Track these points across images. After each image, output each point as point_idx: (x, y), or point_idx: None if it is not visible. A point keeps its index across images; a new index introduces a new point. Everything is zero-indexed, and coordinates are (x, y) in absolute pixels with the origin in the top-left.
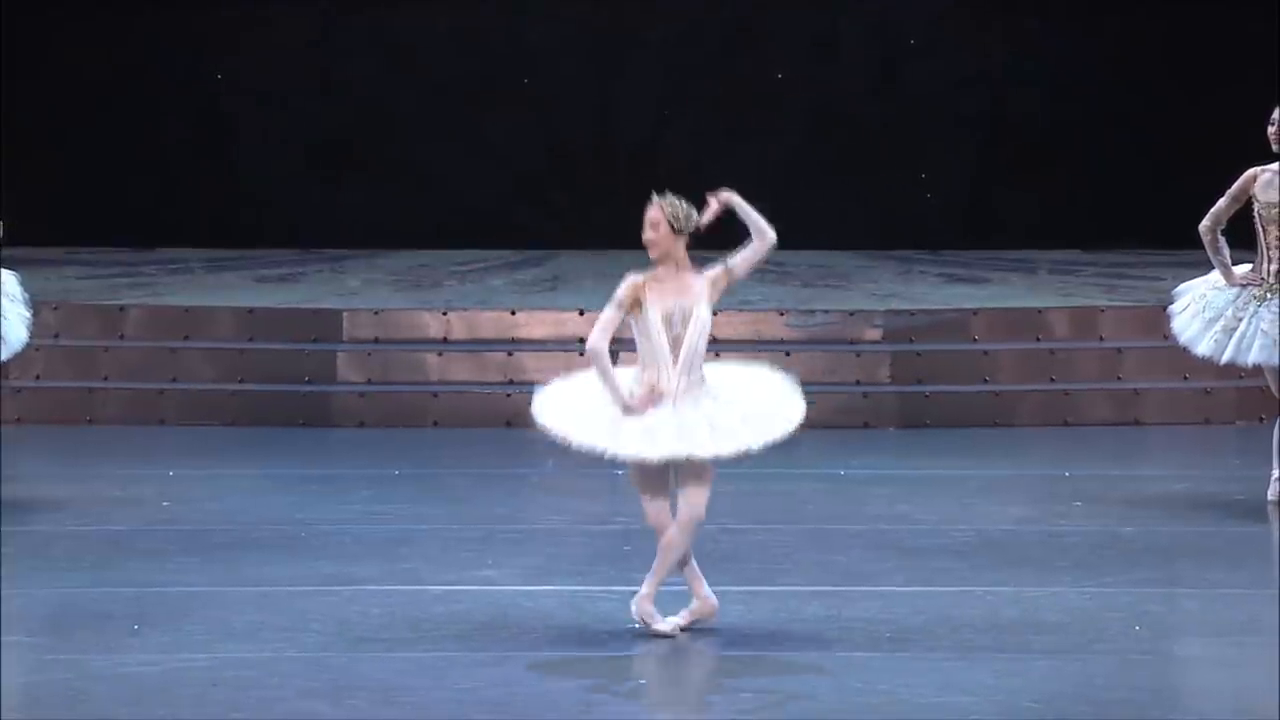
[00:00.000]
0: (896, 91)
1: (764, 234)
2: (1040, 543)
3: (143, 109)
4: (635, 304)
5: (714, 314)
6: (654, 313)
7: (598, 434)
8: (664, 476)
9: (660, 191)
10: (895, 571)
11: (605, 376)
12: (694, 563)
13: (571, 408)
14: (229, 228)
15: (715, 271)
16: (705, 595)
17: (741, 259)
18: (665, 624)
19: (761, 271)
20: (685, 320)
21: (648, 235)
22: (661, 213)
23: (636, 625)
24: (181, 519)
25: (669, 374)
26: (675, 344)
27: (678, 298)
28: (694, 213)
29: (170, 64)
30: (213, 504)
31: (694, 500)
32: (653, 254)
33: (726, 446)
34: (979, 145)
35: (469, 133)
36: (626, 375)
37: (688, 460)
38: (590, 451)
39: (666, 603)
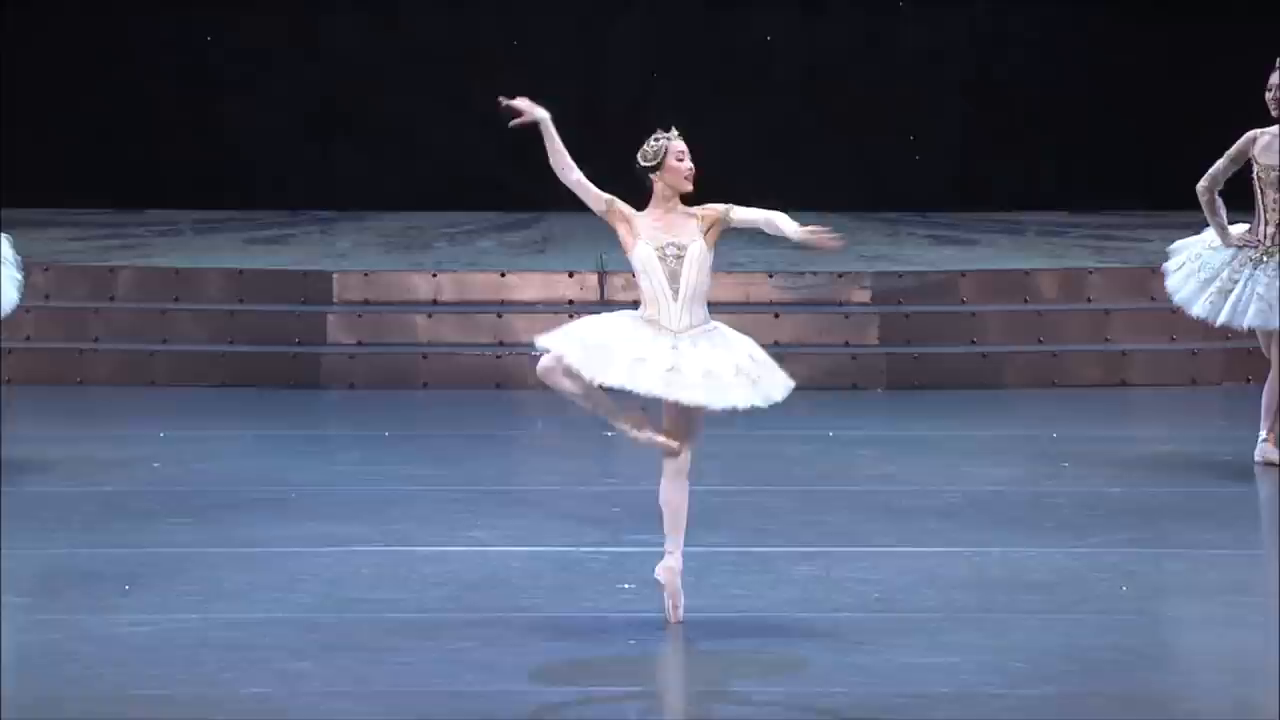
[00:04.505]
0: (884, 53)
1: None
2: (1027, 503)
3: (132, 70)
4: (624, 220)
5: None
6: (646, 247)
7: (591, 361)
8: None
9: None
10: (883, 532)
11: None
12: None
13: (576, 334)
14: (218, 189)
15: (713, 212)
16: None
17: (745, 214)
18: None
19: (750, 233)
20: (680, 256)
21: (690, 165)
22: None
23: (628, 586)
24: (172, 480)
25: (670, 309)
26: (673, 278)
27: (672, 233)
28: None
29: (159, 25)
30: (203, 465)
31: (683, 455)
32: (690, 186)
33: (716, 399)
34: (967, 107)
35: (457, 94)
36: (628, 314)
37: (675, 404)
38: (578, 373)
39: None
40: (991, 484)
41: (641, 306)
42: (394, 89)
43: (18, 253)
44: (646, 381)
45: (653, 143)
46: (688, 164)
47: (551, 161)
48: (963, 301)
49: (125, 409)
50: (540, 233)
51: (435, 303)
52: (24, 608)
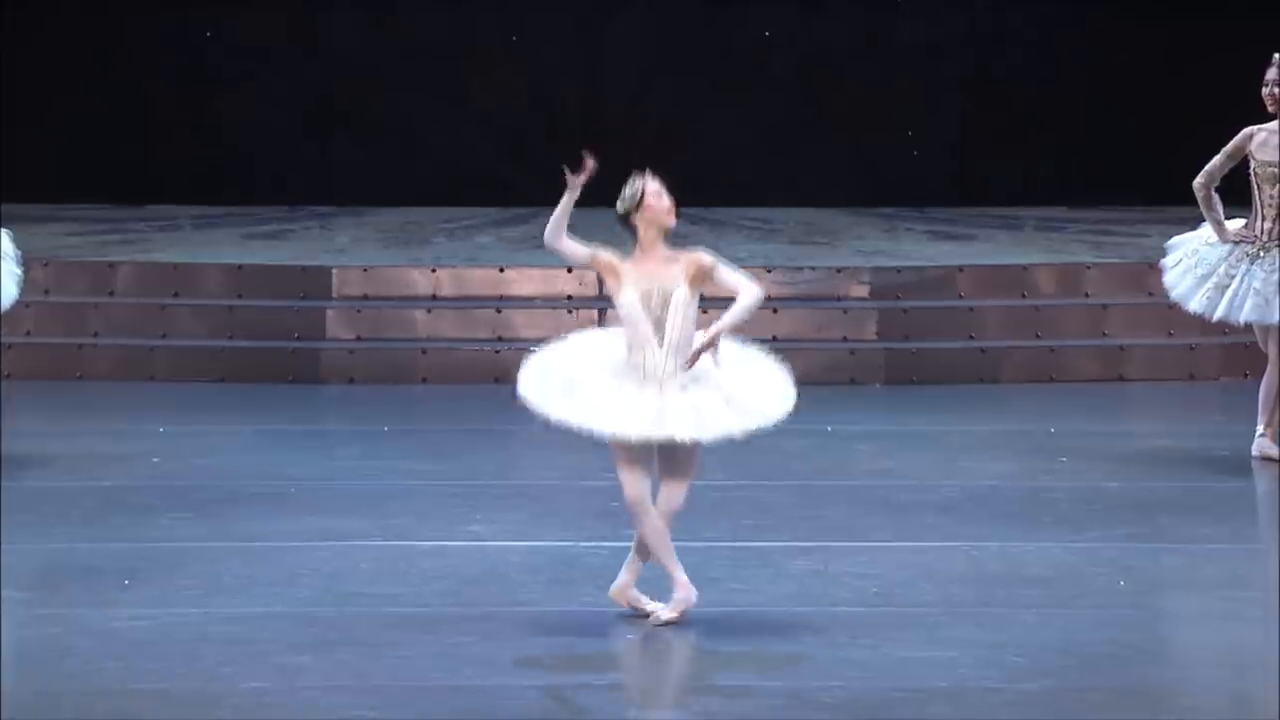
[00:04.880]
0: (883, 49)
1: (748, 290)
2: (1025, 498)
3: (131, 67)
4: (609, 270)
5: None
6: (632, 293)
7: (578, 410)
8: (646, 451)
9: (646, 154)
10: (881, 527)
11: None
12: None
13: (556, 379)
14: (217, 185)
15: (695, 264)
16: (684, 582)
17: (725, 279)
18: (651, 604)
19: (749, 229)
20: (665, 303)
21: (668, 202)
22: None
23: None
24: (171, 475)
25: (655, 356)
26: (658, 326)
27: (657, 279)
28: None
29: (158, 22)
30: (202, 460)
31: (674, 493)
32: (674, 222)
33: (707, 430)
34: (965, 103)
35: (456, 91)
36: (614, 356)
37: (668, 443)
38: (569, 428)
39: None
40: (989, 479)
41: (627, 349)
42: (392, 85)
43: (17, 248)
44: (637, 427)
45: (627, 188)
46: (666, 200)
47: (551, 222)
48: (961, 297)
49: (124, 404)
50: (539, 228)
51: (434, 298)
52: (23, 602)
